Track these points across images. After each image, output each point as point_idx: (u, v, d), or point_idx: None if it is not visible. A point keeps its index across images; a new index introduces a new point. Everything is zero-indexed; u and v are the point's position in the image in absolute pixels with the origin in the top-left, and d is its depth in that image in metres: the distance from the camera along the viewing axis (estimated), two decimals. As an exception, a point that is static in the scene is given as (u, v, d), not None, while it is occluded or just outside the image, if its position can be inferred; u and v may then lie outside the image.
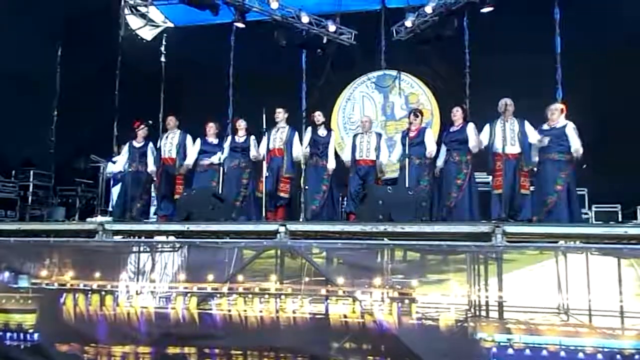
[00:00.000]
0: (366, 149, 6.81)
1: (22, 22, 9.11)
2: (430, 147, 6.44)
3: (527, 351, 4.27)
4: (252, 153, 6.95)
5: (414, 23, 9.08)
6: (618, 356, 4.13)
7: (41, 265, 5.54)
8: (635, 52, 7.84)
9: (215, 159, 6.96)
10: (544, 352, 4.24)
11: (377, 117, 10.07)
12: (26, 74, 8.97)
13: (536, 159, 6.09)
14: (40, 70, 9.73)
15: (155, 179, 7.28)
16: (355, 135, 7.19)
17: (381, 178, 6.88)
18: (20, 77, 8.84)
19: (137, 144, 7.33)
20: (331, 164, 6.89)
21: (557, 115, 6.00)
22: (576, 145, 5.85)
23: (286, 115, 7.08)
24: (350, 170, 6.85)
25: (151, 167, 7.24)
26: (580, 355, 4.18)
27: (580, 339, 4.30)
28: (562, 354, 4.22)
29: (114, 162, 7.84)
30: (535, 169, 6.13)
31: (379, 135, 7.08)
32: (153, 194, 7.59)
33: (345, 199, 7.14)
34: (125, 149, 7.44)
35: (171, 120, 7.43)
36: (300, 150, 6.87)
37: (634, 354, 4.12)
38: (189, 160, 7.10)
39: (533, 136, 6.08)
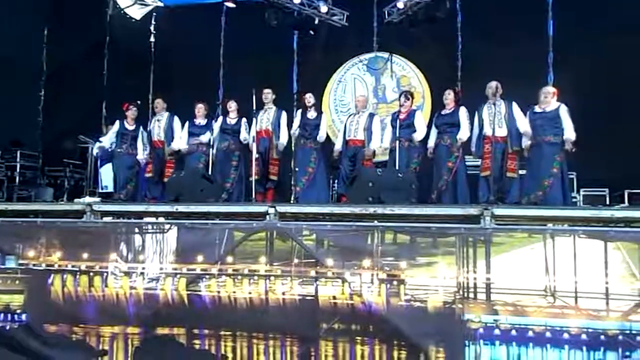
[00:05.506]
0: (354, 129, 6.75)
1: (7, 1, 8.94)
2: (420, 131, 6.41)
3: (513, 332, 4.34)
4: (242, 135, 6.89)
5: (406, 5, 8.99)
6: (602, 337, 4.20)
7: (29, 246, 5.52)
8: (627, 36, 7.81)
9: (204, 139, 6.88)
10: (530, 333, 4.30)
11: (368, 99, 10.01)
12: (13, 53, 8.83)
13: (527, 143, 6.09)
14: (27, 50, 9.57)
15: (146, 164, 7.19)
16: (348, 117, 7.17)
17: (369, 160, 6.81)
18: (6, 57, 8.69)
19: (128, 126, 7.21)
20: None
21: (550, 98, 6.00)
22: (569, 131, 5.82)
23: (273, 97, 6.99)
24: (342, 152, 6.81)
25: (141, 155, 7.15)
26: (566, 335, 4.25)
27: (565, 320, 4.38)
28: (548, 334, 4.28)
29: (101, 142, 7.73)
30: (525, 152, 6.12)
31: (372, 115, 6.96)
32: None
33: (337, 181, 7.10)
34: (115, 127, 7.31)
35: (159, 103, 7.34)
36: (286, 133, 6.84)
37: (618, 334, 4.19)
38: (179, 144, 7.02)
39: (521, 123, 6.08)
